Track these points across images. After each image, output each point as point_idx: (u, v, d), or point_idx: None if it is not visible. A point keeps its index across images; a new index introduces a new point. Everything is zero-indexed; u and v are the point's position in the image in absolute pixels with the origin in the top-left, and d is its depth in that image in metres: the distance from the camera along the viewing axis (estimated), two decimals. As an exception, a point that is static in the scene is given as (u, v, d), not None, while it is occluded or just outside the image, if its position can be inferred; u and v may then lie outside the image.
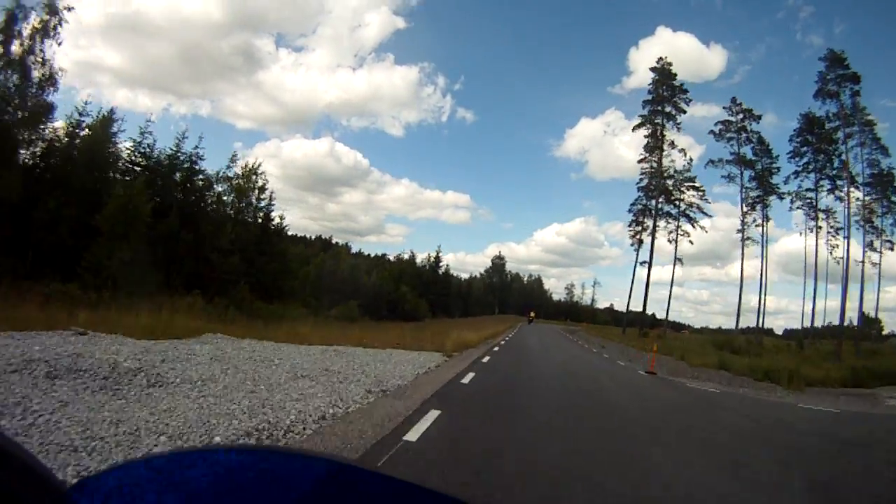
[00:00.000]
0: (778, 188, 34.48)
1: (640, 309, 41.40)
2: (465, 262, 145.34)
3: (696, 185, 38.34)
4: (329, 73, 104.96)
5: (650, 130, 39.10)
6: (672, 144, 38.55)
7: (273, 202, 26.51)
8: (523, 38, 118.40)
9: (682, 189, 38.64)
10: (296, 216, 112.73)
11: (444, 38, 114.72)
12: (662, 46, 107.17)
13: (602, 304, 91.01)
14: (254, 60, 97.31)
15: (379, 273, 43.64)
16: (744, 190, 35.69)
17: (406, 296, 41.25)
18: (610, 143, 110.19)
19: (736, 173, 35.57)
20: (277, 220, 26.91)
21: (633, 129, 40.53)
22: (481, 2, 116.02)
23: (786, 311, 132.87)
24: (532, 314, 50.90)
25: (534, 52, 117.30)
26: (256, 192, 25.42)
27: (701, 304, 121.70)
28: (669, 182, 38.51)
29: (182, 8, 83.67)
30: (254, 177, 25.04)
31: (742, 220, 35.55)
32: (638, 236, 38.93)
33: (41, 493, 0.56)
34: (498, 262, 71.61)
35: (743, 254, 35.69)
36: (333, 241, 69.71)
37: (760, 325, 35.88)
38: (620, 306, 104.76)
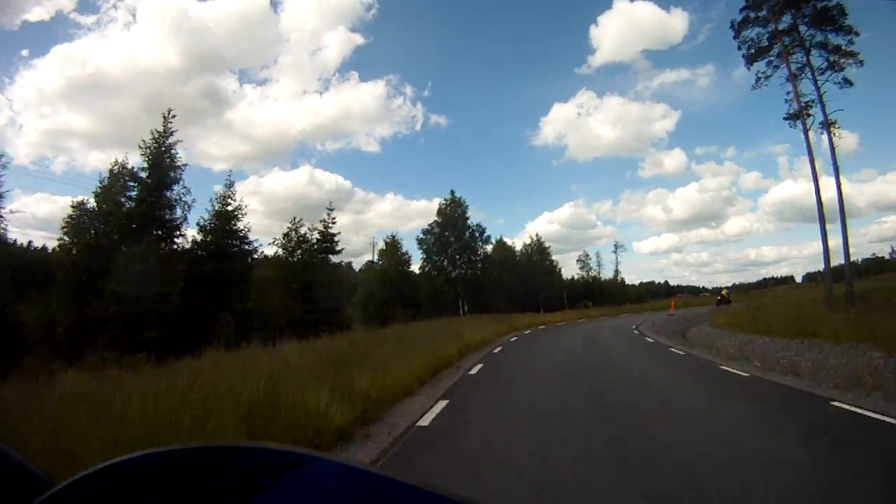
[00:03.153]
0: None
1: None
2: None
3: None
4: (296, 100, 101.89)
5: None
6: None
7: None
8: (484, 35, 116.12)
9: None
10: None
11: (404, 47, 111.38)
12: (622, 19, 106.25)
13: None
14: (220, 101, 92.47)
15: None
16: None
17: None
18: (586, 123, 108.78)
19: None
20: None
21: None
22: (435, 5, 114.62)
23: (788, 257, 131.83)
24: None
25: (496, 47, 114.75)
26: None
27: (703, 265, 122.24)
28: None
29: (139, 59, 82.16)
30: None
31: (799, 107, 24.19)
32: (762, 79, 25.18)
33: (28, 492, 0.57)
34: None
35: (810, 149, 24.10)
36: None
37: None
38: (633, 280, 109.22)
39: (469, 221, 46.78)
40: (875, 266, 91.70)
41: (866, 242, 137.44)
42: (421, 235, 46.43)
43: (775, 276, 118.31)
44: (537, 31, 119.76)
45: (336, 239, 27.60)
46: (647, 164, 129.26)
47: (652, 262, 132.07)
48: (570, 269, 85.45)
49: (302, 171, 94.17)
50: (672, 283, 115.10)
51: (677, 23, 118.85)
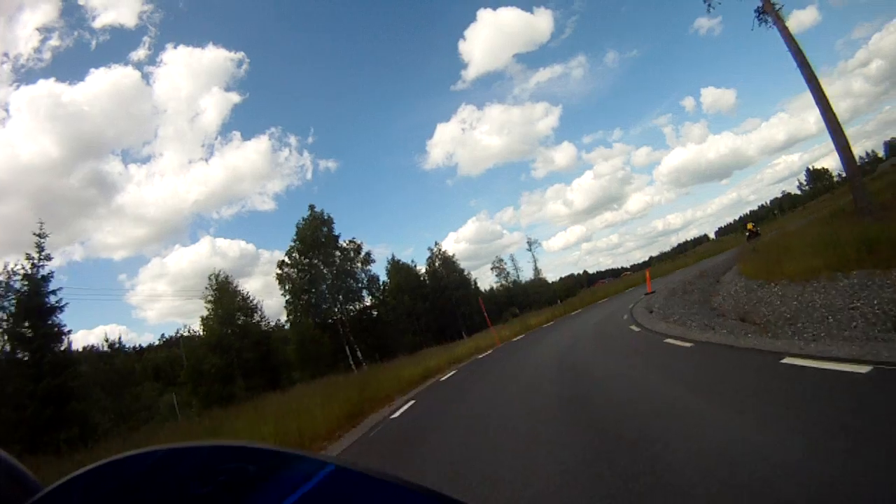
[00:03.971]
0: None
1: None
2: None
3: None
4: (184, 171, 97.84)
5: None
6: None
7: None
8: (356, 71, 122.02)
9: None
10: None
11: (281, 97, 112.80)
12: (488, 29, 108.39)
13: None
14: (108, 186, 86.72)
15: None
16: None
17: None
18: (472, 137, 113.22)
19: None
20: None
21: None
22: (304, 50, 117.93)
23: (695, 219, 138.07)
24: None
25: (371, 80, 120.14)
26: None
27: (615, 247, 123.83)
28: None
29: (18, 156, 74.66)
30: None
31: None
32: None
33: (19, 495, 0.59)
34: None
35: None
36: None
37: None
38: (553, 278, 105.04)
39: (341, 239, 34.63)
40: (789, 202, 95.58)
41: (765, 186, 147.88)
42: (278, 270, 33.21)
43: (688, 239, 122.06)
44: (408, 57, 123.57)
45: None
46: (538, 163, 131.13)
47: (566, 257, 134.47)
48: (487, 282, 78.89)
49: (203, 244, 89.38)
50: (591, 271, 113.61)
51: (543, 22, 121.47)
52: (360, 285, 34.64)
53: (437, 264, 50.55)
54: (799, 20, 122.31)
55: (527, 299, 58.58)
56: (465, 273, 54.33)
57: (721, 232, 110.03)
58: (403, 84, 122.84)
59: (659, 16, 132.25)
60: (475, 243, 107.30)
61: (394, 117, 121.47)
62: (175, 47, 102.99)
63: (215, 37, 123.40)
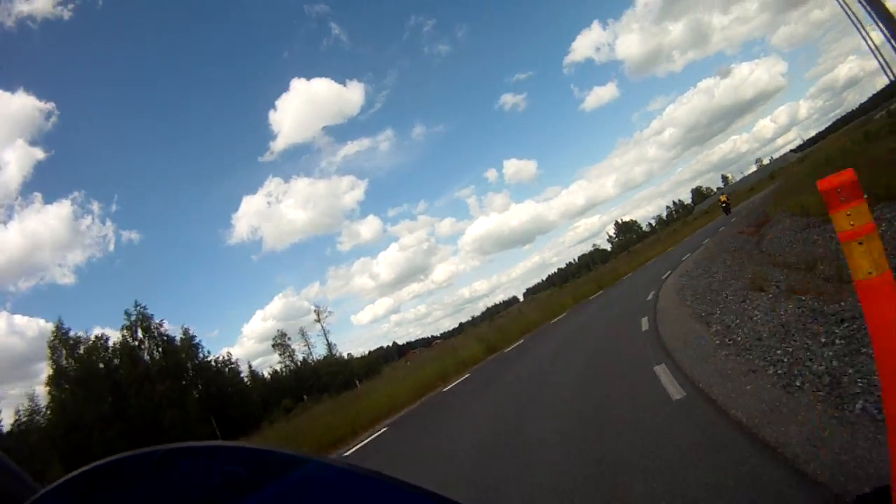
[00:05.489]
0: None
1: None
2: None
3: None
4: None
5: None
6: None
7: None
8: (162, 137, 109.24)
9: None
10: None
11: (87, 158, 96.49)
12: (299, 99, 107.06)
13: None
14: None
15: None
16: None
17: None
18: (277, 211, 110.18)
19: None
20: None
21: None
22: (115, 110, 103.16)
23: (500, 284, 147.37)
24: None
25: (175, 149, 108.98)
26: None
27: (424, 317, 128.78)
28: None
29: None
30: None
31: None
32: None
33: (16, 495, 0.59)
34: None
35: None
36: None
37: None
38: (362, 352, 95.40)
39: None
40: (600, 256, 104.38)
41: (567, 248, 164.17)
42: None
43: (496, 302, 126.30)
44: (217, 124, 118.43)
45: None
46: (344, 237, 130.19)
47: (375, 330, 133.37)
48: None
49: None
50: (400, 342, 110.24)
51: (354, 95, 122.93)
52: None
53: (142, 339, 36.25)
54: (598, 96, 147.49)
55: (318, 382, 47.55)
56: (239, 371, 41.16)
57: (530, 292, 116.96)
58: (211, 154, 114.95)
59: (466, 91, 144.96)
60: (283, 320, 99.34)
61: (200, 189, 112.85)
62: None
63: (28, 81, 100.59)
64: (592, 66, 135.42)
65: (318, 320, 50.54)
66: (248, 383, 46.73)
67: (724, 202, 42.15)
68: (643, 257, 31.40)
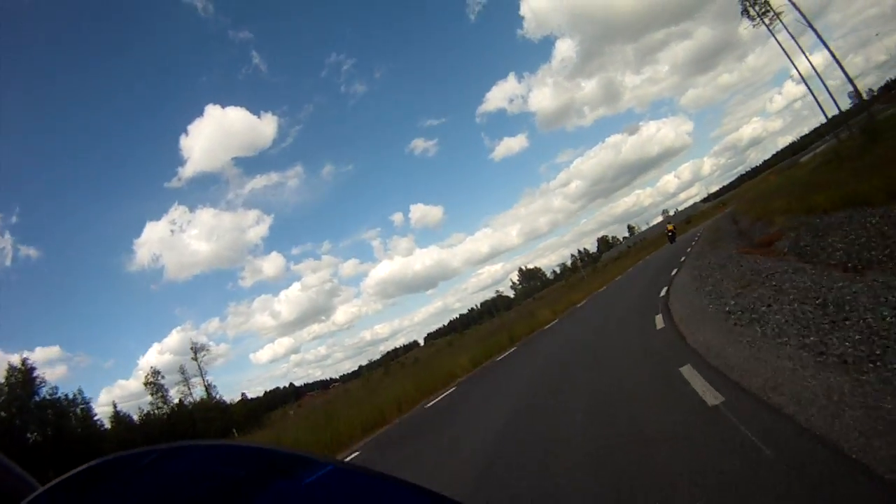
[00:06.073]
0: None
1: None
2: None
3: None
4: None
5: None
6: None
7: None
8: (69, 151, 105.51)
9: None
10: None
11: None
12: (212, 126, 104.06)
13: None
14: None
15: None
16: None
17: None
18: (180, 240, 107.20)
19: None
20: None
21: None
22: (13, 120, 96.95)
23: (402, 328, 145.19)
24: None
25: (82, 165, 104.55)
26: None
27: (323, 359, 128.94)
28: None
29: None
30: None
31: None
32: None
33: (14, 494, 0.58)
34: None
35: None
36: None
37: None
38: (258, 392, 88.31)
39: None
40: (504, 303, 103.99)
41: (469, 294, 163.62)
42: None
43: (397, 346, 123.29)
44: (127, 146, 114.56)
45: None
46: (246, 272, 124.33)
47: (274, 370, 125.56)
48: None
49: None
50: (297, 383, 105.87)
51: (267, 127, 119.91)
52: None
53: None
54: (508, 146, 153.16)
55: (192, 428, 41.99)
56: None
57: (430, 337, 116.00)
58: (118, 176, 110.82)
59: (379, 133, 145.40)
60: (179, 354, 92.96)
61: (104, 209, 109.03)
62: None
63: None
64: (505, 116, 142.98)
65: (195, 359, 45.18)
66: (106, 427, 40.14)
67: (670, 231, 43.43)
68: (560, 304, 22.65)
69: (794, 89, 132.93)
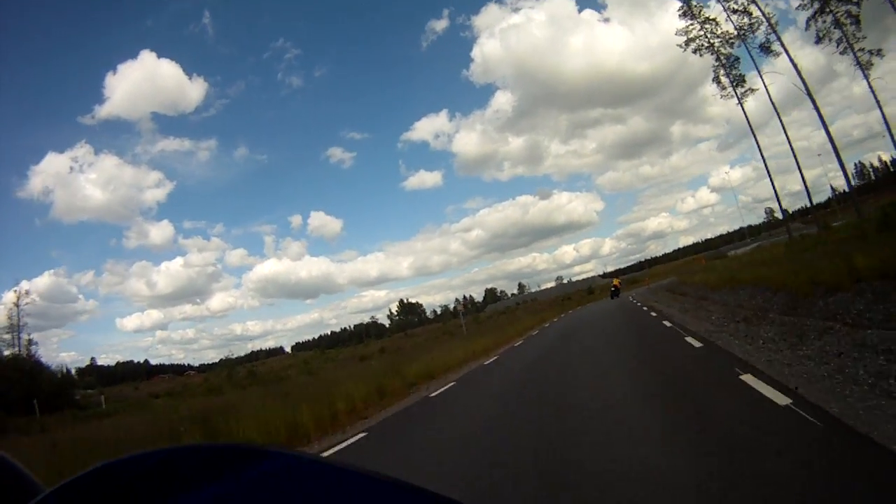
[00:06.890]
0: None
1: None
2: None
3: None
4: None
5: None
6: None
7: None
8: None
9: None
10: None
11: None
12: (142, 72, 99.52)
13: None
14: None
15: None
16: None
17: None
18: (77, 181, 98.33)
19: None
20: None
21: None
22: None
23: (274, 330, 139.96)
24: None
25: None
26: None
27: (189, 342, 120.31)
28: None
29: None
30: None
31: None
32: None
33: (20, 496, 0.58)
34: None
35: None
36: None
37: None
38: (110, 361, 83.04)
39: None
40: (376, 330, 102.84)
41: (347, 314, 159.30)
42: None
43: (263, 348, 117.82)
44: (49, 68, 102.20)
45: None
46: (133, 233, 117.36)
47: (137, 340, 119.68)
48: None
49: None
50: (154, 361, 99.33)
51: (195, 91, 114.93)
52: None
53: None
54: (422, 179, 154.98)
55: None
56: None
57: (297, 347, 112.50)
58: (29, 95, 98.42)
59: (301, 131, 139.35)
60: (48, 300, 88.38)
61: (10, 121, 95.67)
62: None
63: None
64: (427, 149, 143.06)
65: (17, 303, 39.71)
66: None
67: (615, 286, 41.91)
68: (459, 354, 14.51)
69: (707, 196, 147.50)
